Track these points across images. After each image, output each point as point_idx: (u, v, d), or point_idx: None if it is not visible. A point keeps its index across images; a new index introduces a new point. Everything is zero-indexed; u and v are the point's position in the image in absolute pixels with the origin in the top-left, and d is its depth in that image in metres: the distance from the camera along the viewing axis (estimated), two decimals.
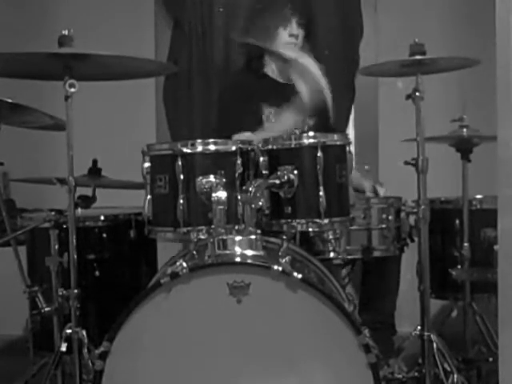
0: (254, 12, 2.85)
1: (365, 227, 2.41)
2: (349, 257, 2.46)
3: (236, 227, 1.90)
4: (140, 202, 2.02)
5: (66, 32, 1.94)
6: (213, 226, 1.83)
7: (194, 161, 1.94)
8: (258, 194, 1.84)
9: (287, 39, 2.67)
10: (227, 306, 1.73)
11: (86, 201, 2.19)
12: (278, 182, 1.91)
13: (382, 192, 2.71)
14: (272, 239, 2.05)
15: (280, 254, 1.82)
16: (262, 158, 1.96)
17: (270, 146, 1.97)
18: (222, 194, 1.81)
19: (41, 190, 2.60)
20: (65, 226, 2.11)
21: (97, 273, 2.45)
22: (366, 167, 2.75)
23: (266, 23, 2.69)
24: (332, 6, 3.51)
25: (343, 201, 1.99)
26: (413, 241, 2.43)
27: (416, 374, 2.25)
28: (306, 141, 1.96)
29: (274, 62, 2.77)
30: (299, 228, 1.95)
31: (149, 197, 1.99)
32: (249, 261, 1.79)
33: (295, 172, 1.92)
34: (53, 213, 2.18)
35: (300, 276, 1.72)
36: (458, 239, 2.74)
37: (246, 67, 2.83)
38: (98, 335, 1.89)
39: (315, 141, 1.94)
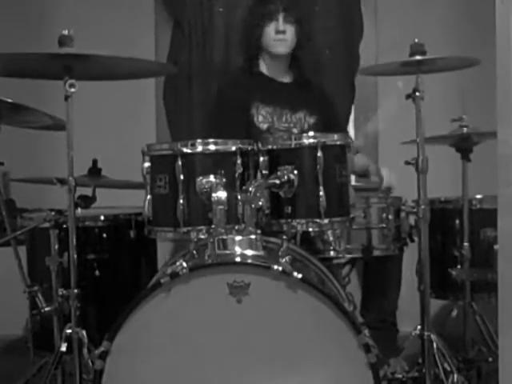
0: (245, 11, 2.87)
1: (365, 226, 2.42)
2: (349, 256, 2.47)
3: (236, 227, 1.89)
4: (140, 201, 2.02)
5: (66, 32, 1.94)
6: (213, 226, 1.83)
7: (194, 161, 1.94)
8: (258, 194, 1.84)
9: (274, 36, 2.68)
10: (227, 306, 1.73)
11: (86, 201, 2.18)
12: (277, 181, 1.91)
13: (385, 175, 2.69)
14: (272, 239, 2.05)
15: (280, 253, 1.82)
16: (262, 158, 1.96)
17: (269, 146, 1.97)
18: (222, 194, 1.81)
19: (41, 189, 2.60)
20: (65, 226, 2.11)
21: (97, 273, 2.45)
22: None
23: (255, 21, 2.71)
24: (332, 5, 3.51)
25: (343, 201, 1.99)
26: (413, 241, 2.43)
27: (416, 373, 2.25)
28: (305, 141, 1.96)
29: (266, 59, 2.77)
30: (299, 228, 1.95)
31: (149, 197, 1.99)
32: (249, 261, 1.79)
33: (295, 172, 1.92)
34: (53, 213, 2.17)
35: (300, 276, 1.72)
36: (458, 239, 2.74)
37: (242, 66, 2.84)
38: (98, 335, 1.89)
39: (315, 141, 1.94)
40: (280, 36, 2.68)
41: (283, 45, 2.71)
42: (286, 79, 2.83)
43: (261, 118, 2.68)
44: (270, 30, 2.69)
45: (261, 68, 2.80)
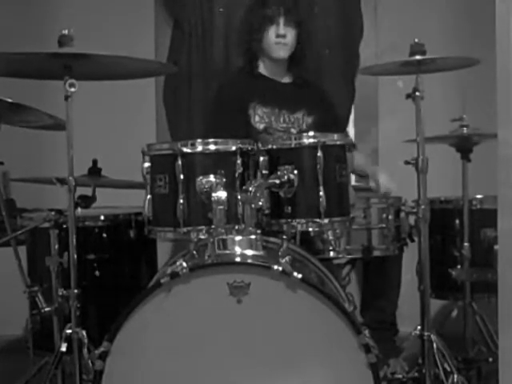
0: (245, 14, 2.87)
1: (365, 227, 2.41)
2: (349, 256, 2.47)
3: (236, 227, 1.89)
4: (140, 201, 2.02)
5: (66, 32, 1.94)
6: (213, 226, 1.83)
7: (194, 160, 1.94)
8: (258, 194, 1.84)
9: (275, 39, 2.67)
10: (227, 306, 1.73)
11: (86, 201, 2.18)
12: (277, 181, 1.91)
13: (382, 181, 2.69)
14: (272, 239, 2.05)
15: (280, 253, 1.82)
16: (261, 158, 1.96)
17: (270, 146, 1.97)
18: (222, 194, 1.81)
19: (41, 189, 2.60)
20: (65, 226, 2.11)
21: (97, 273, 2.45)
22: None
23: (255, 24, 2.70)
24: (332, 5, 3.51)
25: (343, 201, 1.99)
26: (413, 241, 2.43)
27: (416, 374, 2.25)
28: (305, 141, 1.96)
29: (266, 62, 2.77)
30: (299, 228, 1.95)
31: (149, 197, 1.99)
32: (249, 261, 1.79)
33: (295, 172, 1.92)
34: (53, 213, 2.17)
35: (300, 276, 1.72)
36: (458, 239, 2.74)
37: (242, 67, 2.84)
38: (98, 335, 1.89)
39: (315, 141, 1.94)
40: (281, 40, 2.68)
41: (284, 49, 2.70)
42: (286, 80, 2.83)
43: (257, 119, 2.69)
44: (270, 33, 2.68)
45: (260, 69, 2.80)
